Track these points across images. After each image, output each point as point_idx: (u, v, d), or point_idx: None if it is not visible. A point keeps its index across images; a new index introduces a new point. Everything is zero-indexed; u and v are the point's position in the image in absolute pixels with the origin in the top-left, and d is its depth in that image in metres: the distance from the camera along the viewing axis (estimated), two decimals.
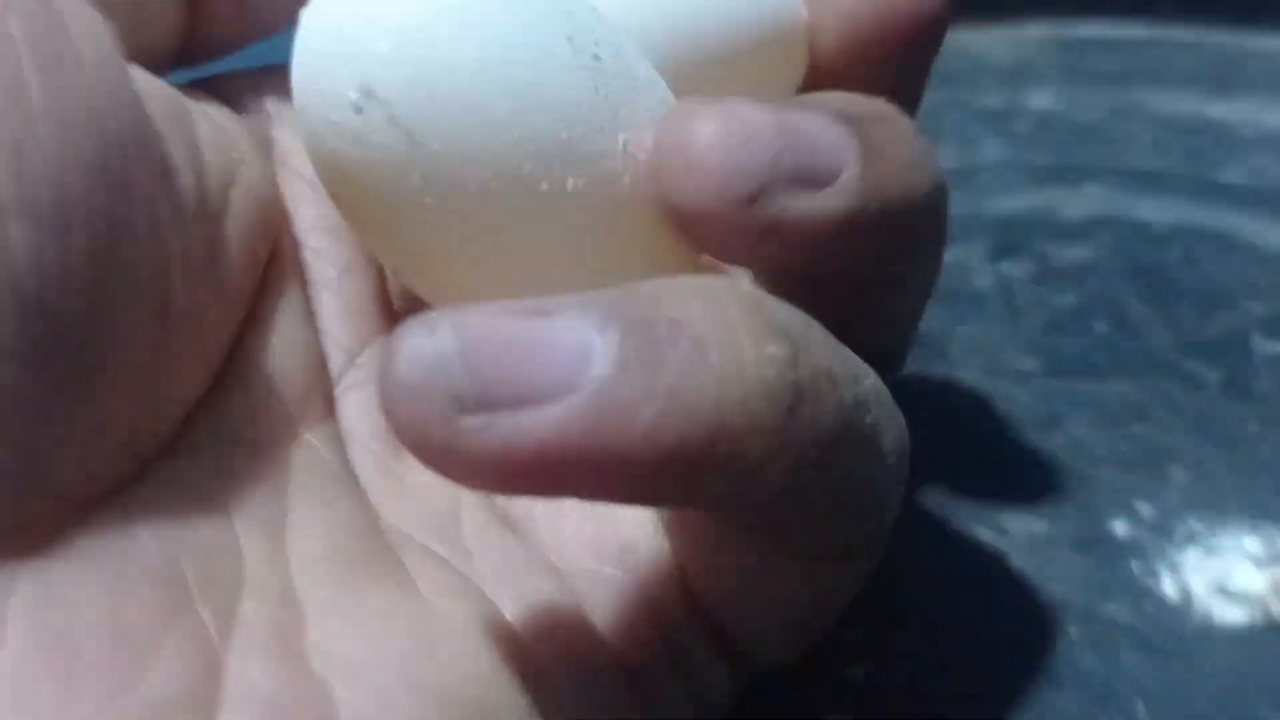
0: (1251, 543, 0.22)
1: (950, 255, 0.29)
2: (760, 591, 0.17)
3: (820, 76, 0.20)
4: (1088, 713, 0.19)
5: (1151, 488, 0.23)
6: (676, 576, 0.17)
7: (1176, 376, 0.26)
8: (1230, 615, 0.21)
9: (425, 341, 0.13)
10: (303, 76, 0.16)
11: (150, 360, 0.15)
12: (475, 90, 0.15)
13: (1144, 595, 0.21)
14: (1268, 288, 0.28)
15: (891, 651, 0.21)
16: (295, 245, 0.18)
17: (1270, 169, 0.32)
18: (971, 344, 0.27)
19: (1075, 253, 0.29)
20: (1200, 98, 0.35)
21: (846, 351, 0.16)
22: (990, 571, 0.22)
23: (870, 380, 0.16)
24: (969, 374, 0.26)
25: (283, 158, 0.19)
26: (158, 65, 0.18)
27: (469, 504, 0.18)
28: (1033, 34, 0.40)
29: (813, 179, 0.16)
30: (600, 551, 0.18)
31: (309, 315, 0.18)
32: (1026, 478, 0.24)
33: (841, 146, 0.16)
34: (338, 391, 0.18)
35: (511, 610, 0.16)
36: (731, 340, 0.14)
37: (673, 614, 0.17)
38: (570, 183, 0.15)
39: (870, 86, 0.18)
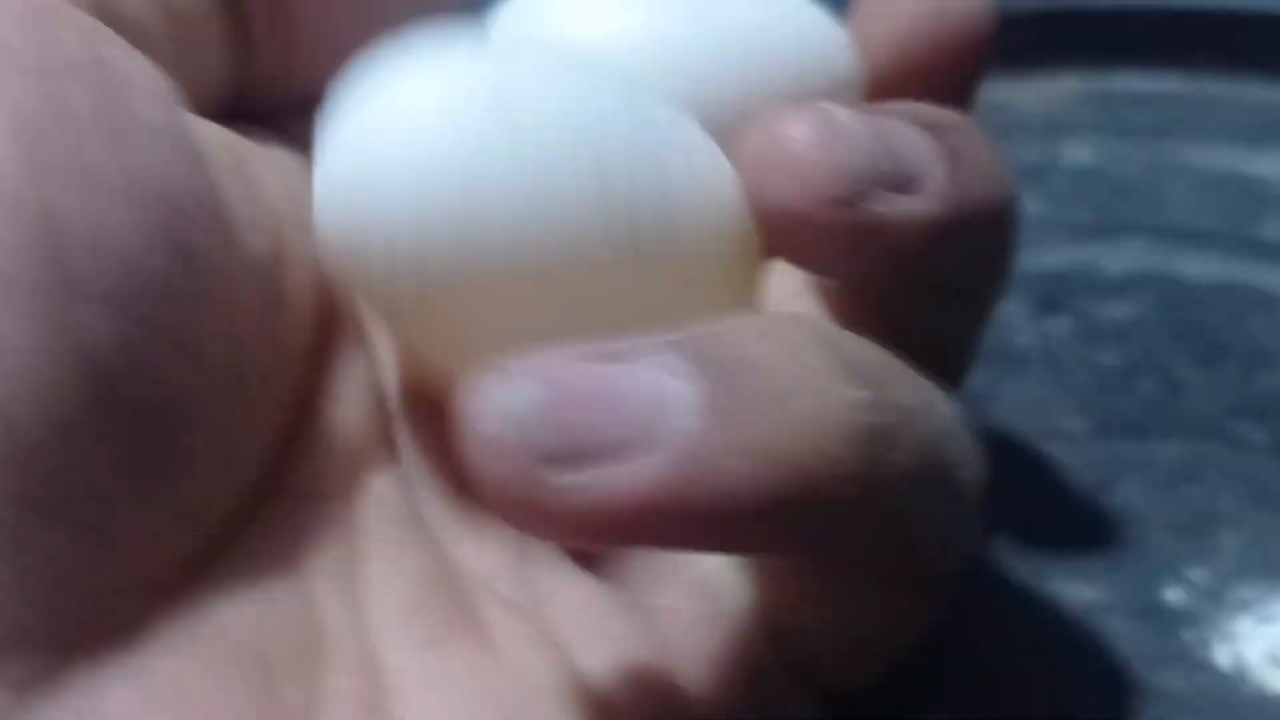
0: None
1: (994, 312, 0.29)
2: (840, 622, 0.17)
3: (873, 93, 0.20)
4: None
5: (1203, 553, 0.23)
6: (759, 610, 0.17)
7: (1224, 438, 0.25)
8: None
9: (505, 394, 0.12)
10: (326, 202, 0.15)
11: (224, 431, 0.15)
12: (496, 232, 0.15)
13: (1197, 665, 0.21)
14: None
15: (938, 714, 0.20)
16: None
17: None
18: (1016, 403, 0.27)
19: (1117, 310, 0.29)
20: (1238, 152, 0.35)
21: (924, 384, 0.15)
22: (1042, 637, 0.22)
23: (947, 409, 0.16)
24: (1015, 434, 0.26)
25: None
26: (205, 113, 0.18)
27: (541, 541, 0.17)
28: (1066, 86, 0.40)
29: (905, 183, 0.16)
30: (680, 585, 0.17)
31: (366, 355, 0.18)
32: (1077, 541, 0.23)
33: (930, 152, 0.16)
34: (398, 430, 0.18)
35: (594, 662, 0.16)
36: (812, 384, 0.14)
37: (758, 651, 0.17)
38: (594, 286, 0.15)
39: (921, 96, 0.18)
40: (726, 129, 0.17)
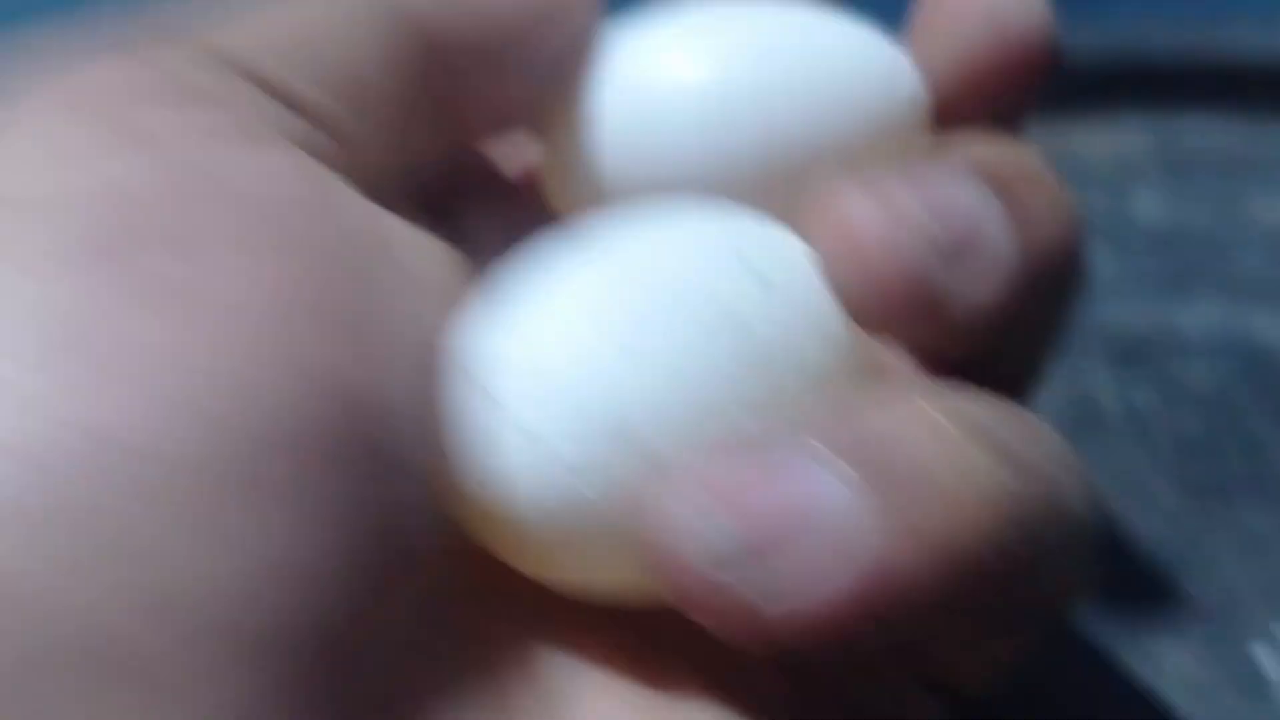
0: None
1: (1071, 373, 0.30)
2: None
3: (935, 108, 0.20)
4: None
5: None
6: None
7: None
8: None
9: (688, 515, 0.14)
10: (457, 409, 0.15)
11: (410, 665, 0.15)
12: (634, 419, 0.15)
13: None
14: None
15: None
16: None
17: None
18: (1100, 466, 0.27)
19: (1197, 369, 0.30)
20: None
21: (1037, 424, 0.16)
22: (1135, 706, 0.22)
23: (1074, 462, 0.16)
24: (1100, 496, 0.26)
25: None
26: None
27: None
28: (1132, 131, 0.40)
29: (970, 251, 0.16)
30: None
31: None
32: (1170, 607, 0.24)
33: (995, 219, 0.16)
34: None
35: None
36: (955, 461, 0.14)
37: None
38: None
39: (982, 112, 0.19)
40: (791, 166, 0.18)
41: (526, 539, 0.15)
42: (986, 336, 0.17)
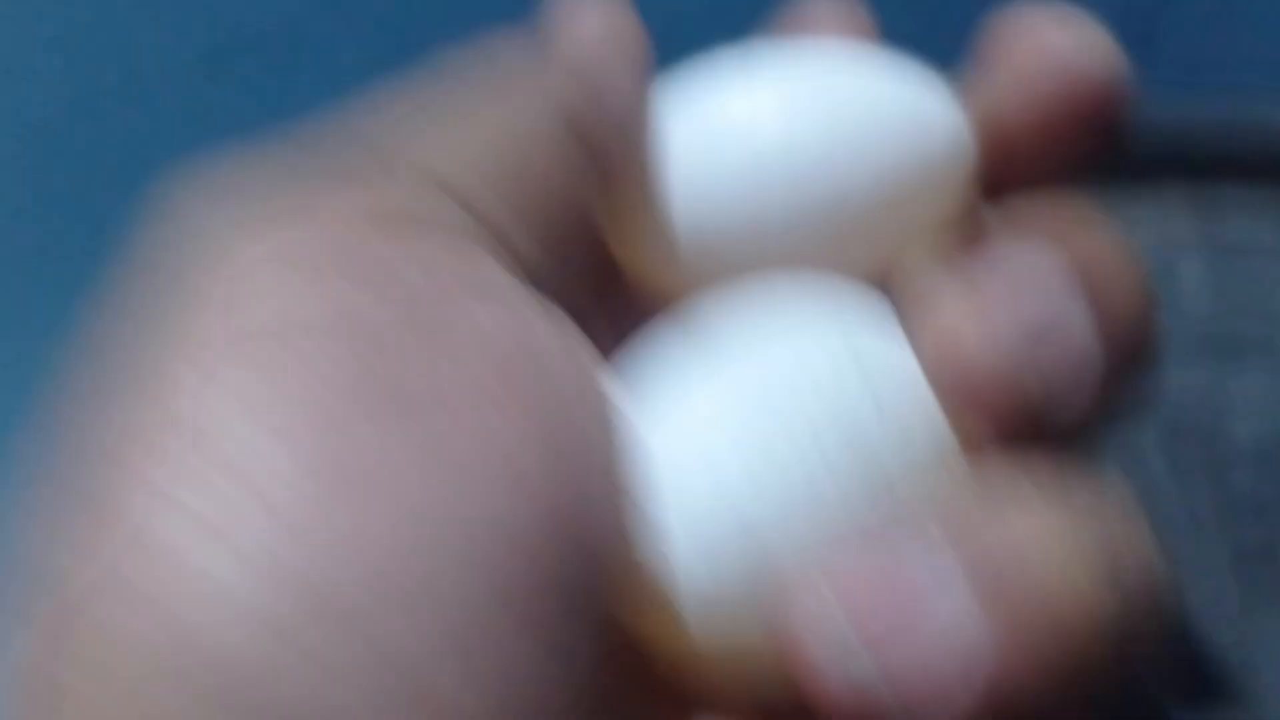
0: None
1: (1123, 439, 0.30)
2: None
3: (997, 149, 0.20)
4: None
5: None
6: None
7: None
8: None
9: (820, 619, 0.15)
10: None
11: None
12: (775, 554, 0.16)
13: None
14: None
15: None
16: None
17: None
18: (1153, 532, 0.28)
19: (1246, 433, 0.31)
20: None
21: (1134, 524, 0.16)
22: None
23: (1149, 549, 0.17)
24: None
25: None
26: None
27: None
28: (1175, 197, 0.41)
29: (1060, 350, 0.17)
30: None
31: None
32: (1218, 673, 0.25)
33: (1081, 312, 0.17)
34: None
35: None
36: (1067, 583, 0.15)
37: None
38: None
39: (1048, 157, 0.19)
40: (845, 213, 0.19)
41: (680, 637, 0.16)
42: (1068, 423, 0.18)
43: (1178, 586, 0.27)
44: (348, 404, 0.14)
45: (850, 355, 0.17)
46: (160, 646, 0.13)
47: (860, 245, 0.19)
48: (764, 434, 0.16)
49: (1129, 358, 0.18)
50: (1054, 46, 0.19)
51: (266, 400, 0.14)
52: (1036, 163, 0.19)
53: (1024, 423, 0.17)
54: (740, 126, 0.19)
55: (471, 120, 0.18)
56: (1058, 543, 0.15)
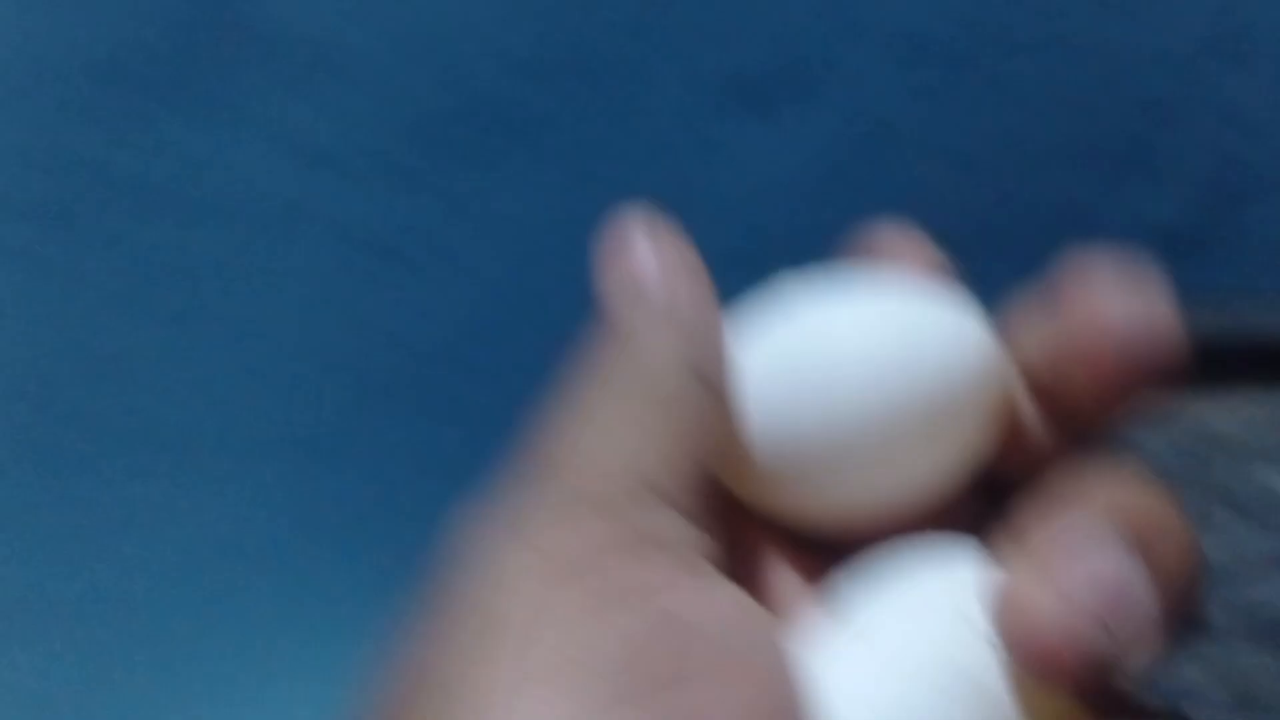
0: None
1: (1225, 653, 0.29)
2: None
3: (1047, 391, 0.22)
4: None
5: None
6: None
7: None
8: None
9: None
10: None
11: None
12: None
13: None
14: None
15: None
16: None
17: None
18: None
19: None
20: None
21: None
22: None
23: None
24: None
25: None
26: None
27: None
28: (1250, 402, 0.40)
29: (1125, 617, 0.18)
30: None
31: None
32: None
33: (1142, 579, 0.19)
34: None
35: None
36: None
37: None
38: None
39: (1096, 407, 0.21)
40: (896, 423, 0.21)
41: None
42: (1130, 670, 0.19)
43: None
44: (622, 709, 0.17)
45: (966, 615, 0.19)
46: None
47: (915, 453, 0.21)
48: (901, 695, 0.19)
49: (1181, 604, 0.19)
50: (1112, 318, 0.20)
51: None
52: (1086, 406, 0.21)
53: (1091, 675, 0.18)
54: (810, 350, 0.21)
55: (641, 415, 0.21)
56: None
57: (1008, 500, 0.22)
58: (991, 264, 0.23)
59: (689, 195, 0.56)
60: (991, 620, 0.19)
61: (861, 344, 0.21)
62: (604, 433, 0.21)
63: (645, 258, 0.22)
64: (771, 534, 0.22)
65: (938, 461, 0.21)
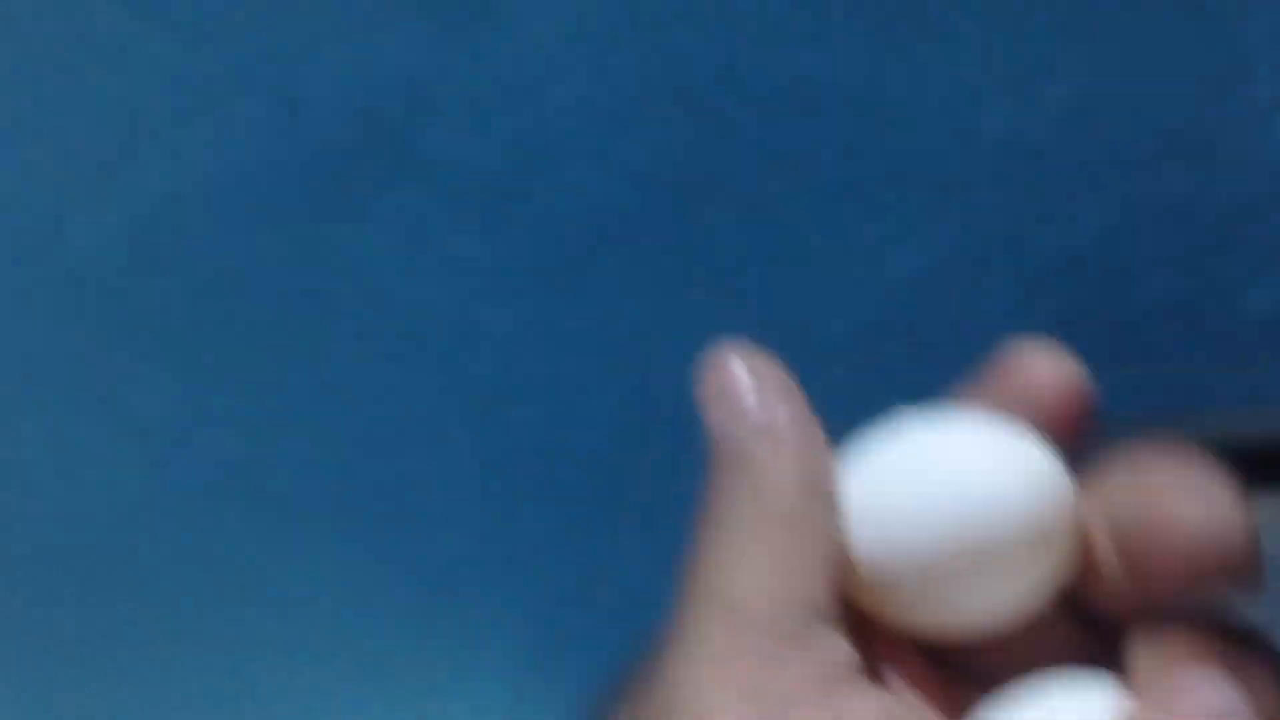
0: None
1: None
2: None
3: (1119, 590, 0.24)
4: None
5: None
6: None
7: None
8: None
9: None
10: None
11: None
12: None
13: None
14: None
15: None
16: None
17: None
18: None
19: None
20: None
21: None
22: None
23: None
24: None
25: None
26: None
27: None
28: None
29: None
30: None
31: None
32: None
33: (1242, 704, 0.21)
34: None
35: None
36: None
37: None
38: None
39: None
40: (977, 551, 0.24)
41: None
42: None
43: None
44: None
45: None
46: None
47: (990, 578, 0.24)
48: None
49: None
50: (1182, 523, 0.22)
51: None
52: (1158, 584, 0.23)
53: None
54: (908, 472, 0.25)
55: (772, 535, 0.23)
56: None
57: (1109, 631, 0.24)
58: (1096, 354, 0.26)
59: (814, 296, 0.60)
60: None
61: (952, 472, 0.24)
62: (747, 558, 0.23)
63: (741, 379, 0.24)
64: (892, 643, 0.24)
65: (1012, 587, 0.24)
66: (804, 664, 0.22)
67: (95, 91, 0.60)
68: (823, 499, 0.24)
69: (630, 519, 0.59)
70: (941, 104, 0.60)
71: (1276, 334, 0.59)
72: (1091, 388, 0.24)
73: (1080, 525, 0.24)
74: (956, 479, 0.24)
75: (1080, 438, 0.24)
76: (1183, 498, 0.22)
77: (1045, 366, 0.24)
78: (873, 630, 0.24)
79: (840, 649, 0.22)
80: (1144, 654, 0.22)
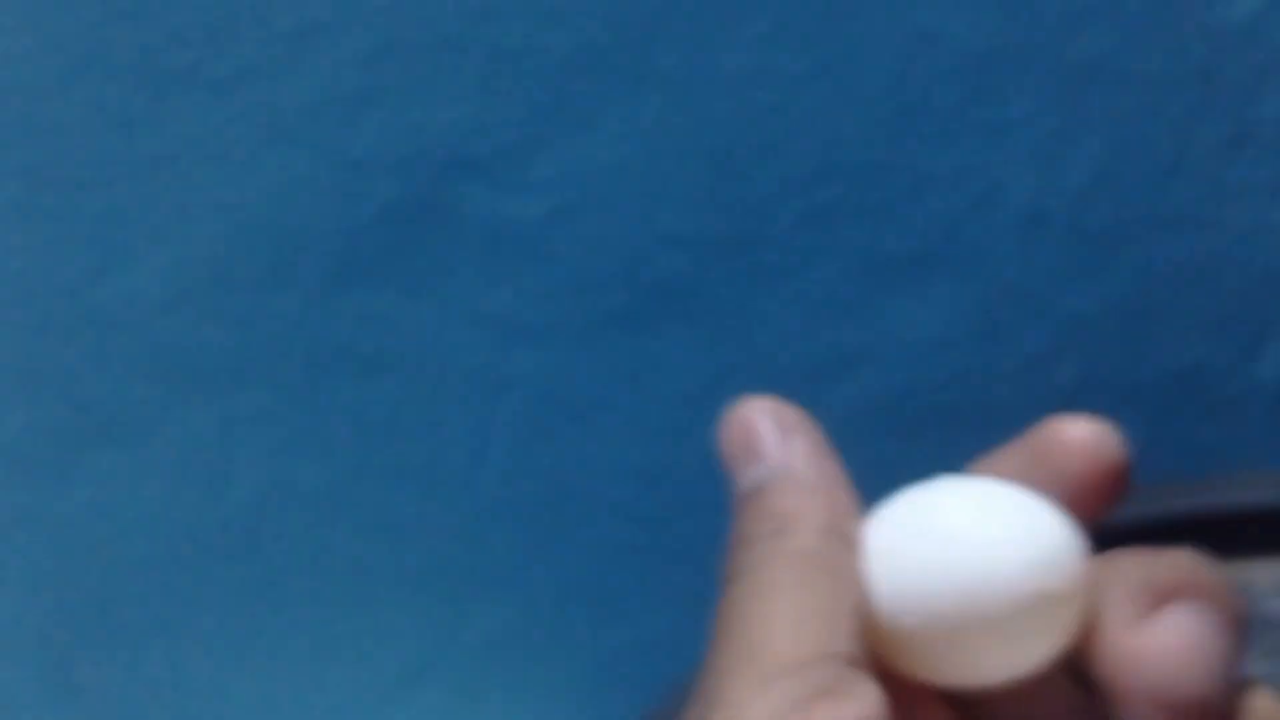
0: None
1: None
2: None
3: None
4: None
5: None
6: None
7: None
8: None
9: None
10: None
11: None
12: None
13: None
14: None
15: None
16: None
17: None
18: None
19: None
20: None
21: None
22: None
23: None
24: None
25: None
26: None
27: None
28: None
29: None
30: None
31: None
32: None
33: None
34: None
35: None
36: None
37: None
38: None
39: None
40: (990, 602, 0.24)
41: None
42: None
43: None
44: None
45: None
46: None
47: (999, 639, 0.25)
48: None
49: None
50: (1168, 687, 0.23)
51: None
52: None
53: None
54: (924, 531, 0.25)
55: (797, 580, 0.23)
56: None
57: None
58: (1109, 417, 0.26)
59: (843, 360, 0.62)
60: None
61: (970, 540, 0.25)
62: (775, 607, 0.23)
63: (761, 422, 0.25)
64: (914, 688, 0.25)
65: (1021, 649, 0.25)
66: (839, 714, 0.22)
67: (145, 150, 0.62)
68: (844, 540, 0.24)
69: (655, 566, 0.60)
70: (966, 175, 0.62)
71: None
72: (1130, 463, 0.25)
73: (1089, 595, 0.25)
74: (975, 547, 0.25)
75: (1113, 508, 0.25)
76: (1172, 666, 0.23)
77: (1087, 441, 0.25)
78: (896, 676, 0.25)
79: (871, 697, 0.22)
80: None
